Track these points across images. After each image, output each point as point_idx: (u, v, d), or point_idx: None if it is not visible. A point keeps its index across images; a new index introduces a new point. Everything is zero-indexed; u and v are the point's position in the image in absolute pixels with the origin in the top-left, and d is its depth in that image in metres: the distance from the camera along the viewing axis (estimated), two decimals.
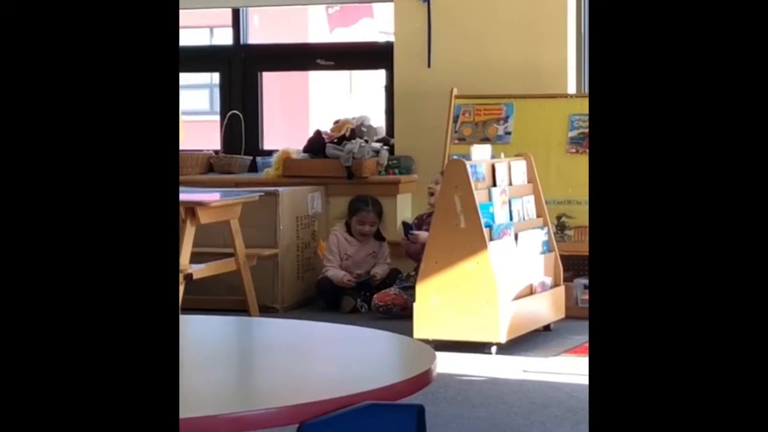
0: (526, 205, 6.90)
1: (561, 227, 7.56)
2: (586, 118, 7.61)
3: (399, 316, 7.25)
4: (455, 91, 7.92)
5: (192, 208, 6.90)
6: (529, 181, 7.00)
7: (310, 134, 8.55)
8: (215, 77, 10.46)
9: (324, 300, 7.83)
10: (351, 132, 8.30)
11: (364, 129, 8.32)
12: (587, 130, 7.61)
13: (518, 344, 6.50)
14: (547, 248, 7.00)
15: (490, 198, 6.53)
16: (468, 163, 6.41)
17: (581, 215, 7.51)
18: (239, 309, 7.33)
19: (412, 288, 7.37)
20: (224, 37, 9.87)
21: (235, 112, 9.05)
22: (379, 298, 7.48)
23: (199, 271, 7.01)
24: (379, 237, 7.99)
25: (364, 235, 7.92)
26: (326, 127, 8.52)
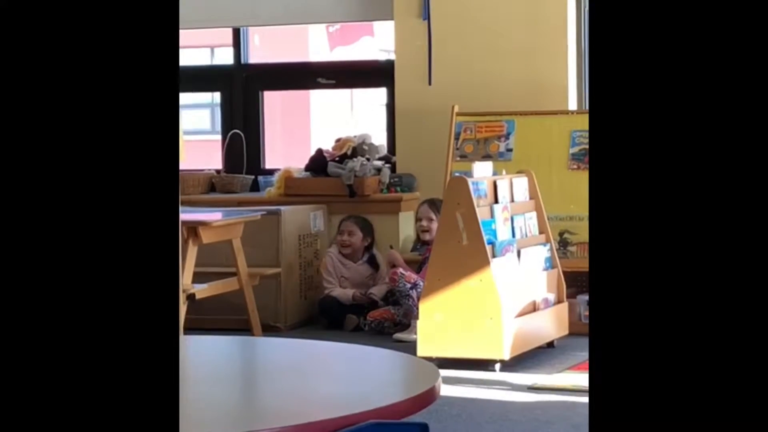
0: (529, 222, 6.89)
1: (563, 243, 7.55)
2: (588, 134, 7.61)
3: (392, 332, 7.35)
4: (456, 109, 7.92)
5: (194, 227, 6.90)
6: (531, 198, 7.00)
7: (312, 153, 8.55)
8: (216, 97, 10.47)
9: (327, 319, 7.82)
10: (352, 150, 8.30)
11: (366, 147, 8.32)
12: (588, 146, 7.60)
13: (522, 361, 6.49)
14: (550, 265, 6.99)
15: (492, 215, 6.52)
16: (470, 180, 6.41)
17: (583, 231, 7.50)
18: (242, 328, 7.32)
19: (403, 300, 7.41)
20: (225, 57, 9.89)
21: (237, 131, 9.06)
22: (370, 316, 7.56)
23: (201, 290, 7.01)
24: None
25: (345, 246, 7.88)
26: (328, 145, 8.52)
